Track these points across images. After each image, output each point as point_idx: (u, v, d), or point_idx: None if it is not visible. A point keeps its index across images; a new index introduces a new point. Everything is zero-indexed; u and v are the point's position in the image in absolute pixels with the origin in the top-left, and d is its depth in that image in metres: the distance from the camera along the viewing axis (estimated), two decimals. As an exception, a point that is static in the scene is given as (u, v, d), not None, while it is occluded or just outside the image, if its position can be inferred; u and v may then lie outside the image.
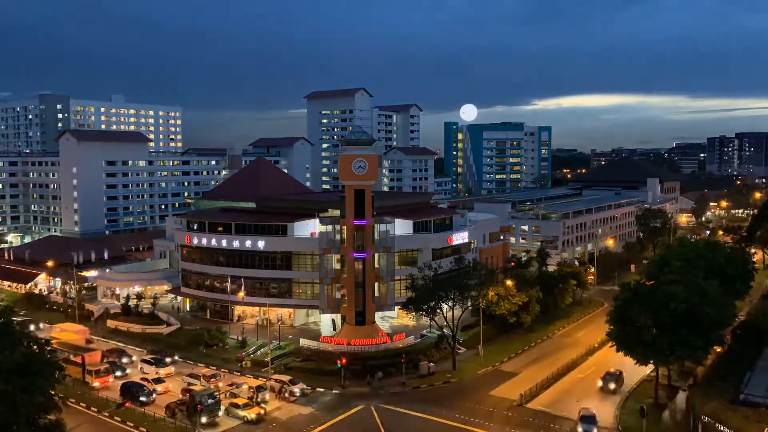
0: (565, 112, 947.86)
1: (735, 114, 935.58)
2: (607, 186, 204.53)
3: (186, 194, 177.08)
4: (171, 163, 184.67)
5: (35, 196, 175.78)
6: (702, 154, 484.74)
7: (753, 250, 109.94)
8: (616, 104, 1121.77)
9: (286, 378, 73.33)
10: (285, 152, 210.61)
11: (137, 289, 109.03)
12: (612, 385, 70.81)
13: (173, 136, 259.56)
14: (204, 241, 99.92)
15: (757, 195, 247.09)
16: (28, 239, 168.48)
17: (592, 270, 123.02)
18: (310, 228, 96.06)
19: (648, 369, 72.50)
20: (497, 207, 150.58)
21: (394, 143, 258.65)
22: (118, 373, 76.50)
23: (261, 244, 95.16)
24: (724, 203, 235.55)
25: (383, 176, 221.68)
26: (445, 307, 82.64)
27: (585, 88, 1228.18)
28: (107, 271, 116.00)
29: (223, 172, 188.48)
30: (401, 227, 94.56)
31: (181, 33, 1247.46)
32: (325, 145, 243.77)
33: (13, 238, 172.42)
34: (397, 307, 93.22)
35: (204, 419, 62.02)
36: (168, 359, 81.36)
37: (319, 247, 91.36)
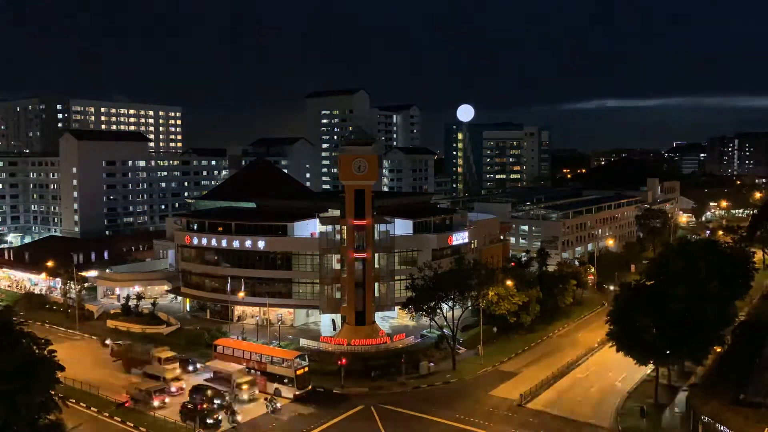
0: (566, 113, 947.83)
1: (735, 114, 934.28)
2: (607, 186, 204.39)
3: (186, 194, 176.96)
4: (171, 163, 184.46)
5: (35, 196, 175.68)
6: (702, 154, 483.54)
7: (753, 250, 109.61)
8: (617, 106, 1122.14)
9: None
10: (285, 152, 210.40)
11: (137, 289, 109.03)
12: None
13: (173, 136, 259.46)
14: (204, 242, 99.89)
15: (757, 195, 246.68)
16: (28, 239, 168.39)
17: (592, 270, 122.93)
18: (310, 228, 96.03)
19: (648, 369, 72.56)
20: (497, 207, 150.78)
21: (394, 143, 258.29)
22: None
23: (261, 245, 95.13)
24: (724, 203, 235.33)
25: (383, 176, 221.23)
26: (445, 307, 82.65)
27: (586, 91, 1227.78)
28: (107, 271, 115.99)
29: (223, 172, 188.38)
30: (401, 227, 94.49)
31: (182, 33, 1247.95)
32: (325, 145, 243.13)
33: (13, 238, 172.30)
34: (397, 307, 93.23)
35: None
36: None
37: (319, 247, 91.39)
